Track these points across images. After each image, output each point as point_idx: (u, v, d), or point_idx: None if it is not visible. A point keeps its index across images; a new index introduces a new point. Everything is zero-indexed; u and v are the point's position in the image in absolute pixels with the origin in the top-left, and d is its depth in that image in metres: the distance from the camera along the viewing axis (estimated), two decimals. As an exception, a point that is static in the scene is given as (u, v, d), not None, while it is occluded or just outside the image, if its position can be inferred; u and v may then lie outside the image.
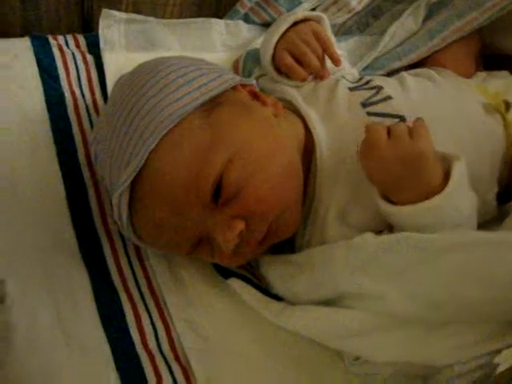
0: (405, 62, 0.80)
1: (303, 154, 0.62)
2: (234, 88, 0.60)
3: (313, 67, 0.68)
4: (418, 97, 0.66)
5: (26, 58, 0.75)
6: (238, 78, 0.61)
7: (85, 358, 0.55)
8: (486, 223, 0.64)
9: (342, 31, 0.89)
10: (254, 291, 0.61)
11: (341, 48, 0.82)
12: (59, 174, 0.67)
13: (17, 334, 0.54)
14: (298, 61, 0.67)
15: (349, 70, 0.75)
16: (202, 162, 0.53)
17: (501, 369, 0.46)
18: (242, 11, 0.87)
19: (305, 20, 0.70)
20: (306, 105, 0.64)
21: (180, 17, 0.91)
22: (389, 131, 0.54)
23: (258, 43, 0.80)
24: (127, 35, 0.80)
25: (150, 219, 0.55)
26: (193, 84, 0.56)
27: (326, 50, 0.68)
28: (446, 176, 0.52)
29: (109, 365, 0.55)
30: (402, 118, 0.61)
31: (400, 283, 0.50)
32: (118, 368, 0.55)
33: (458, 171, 0.52)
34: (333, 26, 0.85)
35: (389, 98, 0.64)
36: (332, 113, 0.63)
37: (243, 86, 0.61)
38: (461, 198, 0.53)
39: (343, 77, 0.69)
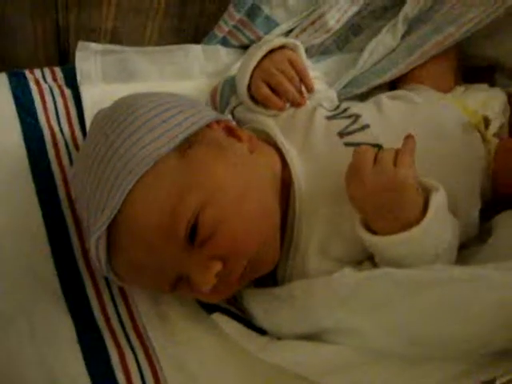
0: (385, 78, 0.81)
1: (281, 185, 0.62)
2: (209, 126, 0.59)
3: (289, 96, 0.67)
4: (396, 122, 0.66)
5: (3, 94, 0.74)
6: (213, 115, 0.61)
7: None
8: (470, 241, 0.64)
9: (320, 50, 0.89)
10: (237, 325, 0.60)
11: (319, 69, 0.82)
12: (39, 213, 0.67)
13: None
14: (275, 90, 0.67)
15: (326, 93, 0.74)
16: (176, 205, 0.52)
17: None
18: (220, 35, 0.86)
19: (280, 47, 0.69)
20: (283, 137, 0.64)
21: (158, 43, 0.91)
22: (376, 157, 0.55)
23: (236, 69, 0.79)
24: (104, 66, 0.80)
25: (128, 261, 0.55)
26: (169, 123, 0.56)
27: (302, 78, 0.68)
28: (426, 206, 0.52)
29: None
30: (381, 147, 0.61)
31: (379, 318, 0.51)
32: None
33: (436, 203, 0.52)
34: (311, 46, 0.85)
35: (366, 126, 0.64)
36: (309, 144, 0.63)
37: (218, 122, 0.61)
38: (439, 227, 0.53)
39: (320, 104, 0.69)
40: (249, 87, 0.68)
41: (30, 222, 0.66)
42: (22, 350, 0.57)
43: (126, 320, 0.62)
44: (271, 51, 0.69)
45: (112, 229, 0.54)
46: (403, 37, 0.83)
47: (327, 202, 0.59)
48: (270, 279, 0.64)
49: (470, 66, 0.88)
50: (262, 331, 0.60)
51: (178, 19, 0.91)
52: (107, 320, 0.62)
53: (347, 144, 0.62)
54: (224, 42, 0.88)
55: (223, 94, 0.77)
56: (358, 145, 0.61)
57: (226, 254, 0.54)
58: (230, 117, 0.65)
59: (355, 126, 0.64)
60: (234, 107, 0.72)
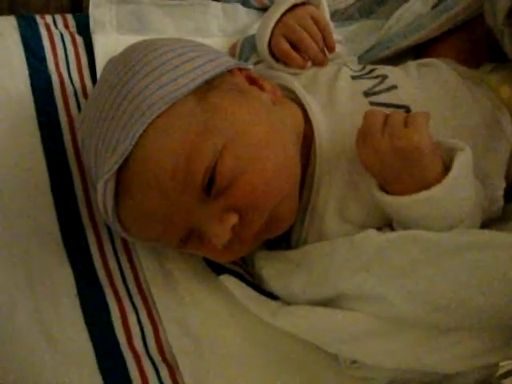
0: (410, 41, 0.76)
1: (302, 143, 0.58)
2: (230, 72, 0.56)
3: (311, 54, 0.64)
4: (424, 87, 0.62)
5: (11, 37, 0.70)
6: (235, 61, 0.58)
7: (67, 360, 0.52)
8: (491, 222, 0.61)
9: (344, 18, 0.85)
10: (247, 289, 0.57)
11: (342, 34, 0.78)
12: (44, 162, 0.63)
13: None
14: (296, 47, 0.64)
15: (347, 58, 0.71)
16: (193, 150, 0.49)
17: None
18: (240, -6, 0.83)
19: (303, 3, 0.66)
20: (306, 93, 0.60)
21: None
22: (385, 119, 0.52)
23: (255, 29, 0.76)
24: (119, 16, 0.77)
25: (136, 210, 0.51)
26: (187, 65, 0.53)
27: (325, 36, 0.65)
28: (449, 167, 0.49)
29: (92, 367, 0.52)
30: (407, 109, 0.58)
31: (404, 284, 0.48)
32: (102, 370, 0.52)
33: (460, 162, 0.49)
34: (335, 11, 0.82)
35: (393, 87, 0.61)
36: (333, 102, 0.60)
37: (240, 70, 0.58)
38: (462, 190, 0.50)
39: (345, 65, 0.66)
40: (269, 43, 0.65)
41: (33, 170, 0.63)
42: (18, 302, 0.54)
43: (128, 276, 0.59)
44: (294, 6, 0.66)
45: (122, 173, 0.50)
46: (435, 7, 0.79)
47: (348, 162, 0.56)
48: (284, 244, 0.60)
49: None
50: (272, 297, 0.57)
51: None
52: (109, 275, 0.59)
53: (372, 103, 0.59)
54: (244, 2, 0.85)
55: (242, 53, 0.74)
56: (384, 105, 0.59)
57: (243, 205, 0.51)
58: (254, 68, 0.61)
59: (382, 86, 0.61)
60: (255, 64, 0.69)
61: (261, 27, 0.66)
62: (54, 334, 0.53)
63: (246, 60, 0.72)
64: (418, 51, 0.78)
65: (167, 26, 0.79)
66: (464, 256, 0.46)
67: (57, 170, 0.63)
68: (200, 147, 0.49)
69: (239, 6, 0.83)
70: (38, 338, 0.53)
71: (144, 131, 0.49)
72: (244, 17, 0.83)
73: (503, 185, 0.61)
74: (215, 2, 0.83)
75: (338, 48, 0.70)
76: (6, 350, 0.51)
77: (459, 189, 0.49)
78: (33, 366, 0.51)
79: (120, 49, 0.60)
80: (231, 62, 0.57)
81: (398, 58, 0.75)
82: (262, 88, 0.57)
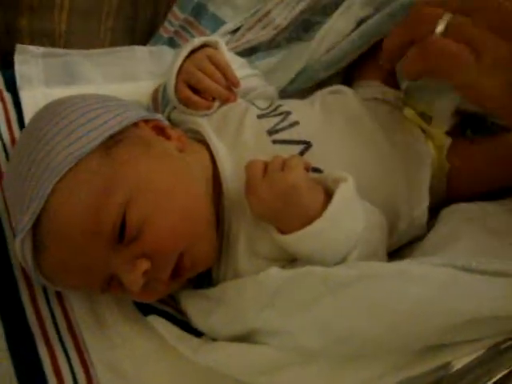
0: (330, 71, 0.77)
1: (213, 185, 0.61)
2: (136, 124, 0.59)
3: (213, 93, 0.67)
4: (327, 120, 0.65)
5: None
6: (141, 114, 0.60)
7: None
8: (417, 239, 0.63)
9: (272, 47, 0.87)
10: (172, 328, 0.59)
11: (268, 64, 0.81)
12: None
13: None
14: (198, 90, 0.66)
15: (263, 89, 0.73)
16: (99, 204, 0.52)
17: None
18: (166, 36, 0.86)
19: (202, 47, 0.69)
20: (214, 136, 0.63)
21: (113, 44, 0.90)
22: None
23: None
24: (46, 70, 0.79)
25: (54, 263, 0.54)
26: (92, 123, 0.56)
27: (224, 73, 0.67)
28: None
29: None
30: (308, 144, 0.60)
31: (305, 317, 0.50)
32: None
33: (341, 193, 0.52)
34: (259, 44, 0.85)
35: (295, 123, 0.63)
36: (238, 142, 0.62)
37: (146, 121, 0.60)
38: (346, 220, 0.53)
39: (253, 103, 0.68)
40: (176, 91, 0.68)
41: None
42: None
43: (60, 321, 0.61)
44: (193, 52, 0.68)
45: (37, 229, 0.53)
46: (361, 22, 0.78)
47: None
48: (207, 281, 0.63)
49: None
50: (200, 333, 0.59)
51: (132, 21, 0.91)
52: (41, 323, 0.61)
53: (275, 141, 0.61)
54: (171, 43, 0.87)
55: (164, 96, 0.76)
56: (286, 142, 0.61)
57: (152, 252, 0.53)
58: (162, 117, 0.64)
59: (285, 124, 0.63)
60: (171, 110, 0.71)
61: (166, 76, 0.69)
62: None
63: (166, 105, 0.74)
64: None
65: (95, 75, 0.81)
66: (353, 289, 0.48)
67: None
68: (106, 201, 0.52)
69: (165, 48, 0.86)
70: None
71: (52, 190, 0.52)
72: (171, 57, 0.83)
73: (423, 204, 0.63)
74: (141, 47, 0.86)
75: (252, 81, 0.72)
76: None
77: (342, 219, 0.52)
78: None
79: (48, 101, 0.63)
80: (138, 115, 0.60)
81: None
82: (168, 137, 0.60)
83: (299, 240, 0.52)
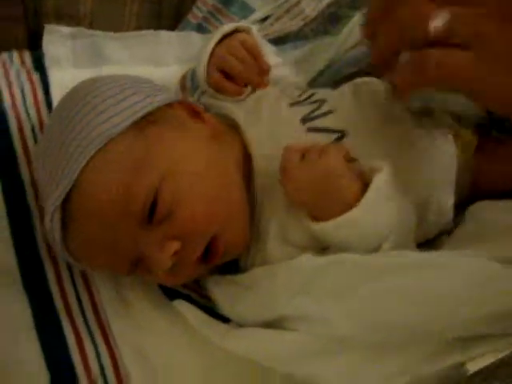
0: (361, 66, 0.77)
1: (245, 171, 0.61)
2: (170, 106, 0.59)
3: (245, 79, 0.66)
4: (360, 109, 0.64)
5: None
6: (174, 96, 0.60)
7: None
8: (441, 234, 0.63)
9: (299, 39, 0.87)
10: (199, 313, 0.59)
11: (296, 55, 0.80)
12: (1, 197, 0.65)
13: None
14: (230, 75, 0.66)
15: (292, 79, 0.73)
16: (132, 182, 0.52)
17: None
18: (194, 22, 0.86)
19: (234, 32, 0.68)
20: (246, 123, 0.63)
21: (138, 29, 0.89)
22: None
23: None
24: (74, 50, 0.79)
25: (82, 240, 0.54)
26: (123, 103, 0.56)
27: (256, 58, 0.67)
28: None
29: None
30: (343, 133, 0.60)
31: (341, 304, 0.49)
32: None
33: (377, 182, 0.52)
34: (287, 34, 0.84)
35: (329, 112, 0.62)
36: (272, 130, 0.62)
37: (180, 103, 0.60)
38: (381, 209, 0.52)
39: (284, 92, 0.68)
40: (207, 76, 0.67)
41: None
42: None
43: (86, 304, 0.61)
44: (225, 37, 0.68)
45: (67, 205, 0.53)
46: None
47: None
48: (234, 269, 0.62)
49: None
50: (226, 319, 0.59)
51: (158, 5, 0.90)
52: (66, 305, 0.60)
53: (310, 129, 0.61)
54: (200, 29, 0.87)
55: (193, 82, 0.75)
56: (321, 130, 0.61)
57: (183, 233, 0.53)
58: (193, 101, 0.63)
59: (319, 112, 0.63)
60: (201, 94, 0.71)
61: (197, 61, 0.68)
62: (11, 367, 0.55)
63: (196, 90, 0.74)
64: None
65: (123, 57, 0.81)
66: (390, 277, 0.47)
67: (15, 205, 0.65)
68: (139, 179, 0.52)
69: (193, 34, 0.85)
70: None
71: (85, 165, 0.52)
72: (198, 43, 0.84)
73: (451, 199, 0.62)
74: (168, 32, 0.85)
75: (282, 70, 0.72)
76: None
77: (378, 208, 0.52)
78: None
79: (76, 82, 0.62)
80: (171, 97, 0.59)
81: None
82: (202, 121, 0.60)
83: (334, 228, 0.52)
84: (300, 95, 0.67)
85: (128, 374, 0.56)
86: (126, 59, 0.81)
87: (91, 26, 0.86)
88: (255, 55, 0.67)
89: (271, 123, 0.62)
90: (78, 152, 0.53)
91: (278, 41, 0.82)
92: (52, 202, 0.53)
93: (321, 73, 0.80)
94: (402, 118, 0.64)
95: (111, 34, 0.82)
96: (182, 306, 0.60)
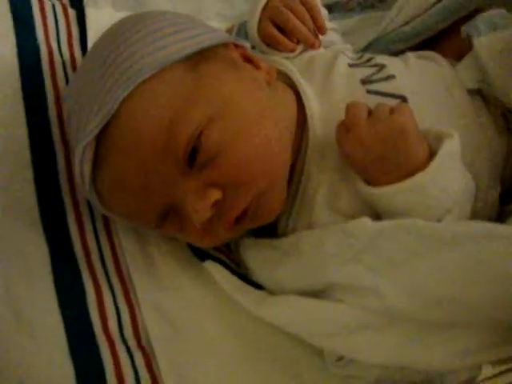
0: (409, 44, 0.75)
1: (294, 128, 0.56)
2: (225, 46, 0.54)
3: (300, 35, 0.62)
4: (422, 79, 0.61)
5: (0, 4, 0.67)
6: (231, 37, 0.57)
7: (37, 342, 0.49)
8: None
9: (344, 11, 0.84)
10: (231, 277, 0.55)
11: (343, 26, 0.77)
12: (26, 133, 0.60)
13: None
14: (284, 29, 0.62)
15: (342, 46, 0.70)
16: (177, 117, 0.47)
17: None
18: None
19: None
20: (301, 78, 0.58)
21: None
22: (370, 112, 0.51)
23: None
24: (114, -8, 0.74)
25: (113, 179, 0.50)
26: (181, 34, 0.51)
27: (313, 16, 0.63)
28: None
29: (63, 352, 0.49)
30: (404, 99, 0.57)
31: (398, 275, 0.46)
32: (74, 356, 0.49)
33: (446, 149, 0.48)
34: (336, 3, 0.81)
35: (391, 77, 0.59)
36: (329, 88, 0.58)
37: (236, 46, 0.56)
38: (449, 177, 0.49)
39: (343, 52, 0.64)
40: (259, 29, 0.64)
41: (14, 141, 0.60)
42: None
43: (107, 256, 0.57)
44: None
45: (101, 139, 0.48)
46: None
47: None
48: (270, 234, 0.58)
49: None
50: (257, 286, 0.55)
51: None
52: (87, 254, 0.56)
53: (370, 91, 0.58)
54: (242, -11, 0.83)
55: (238, 37, 0.71)
56: (381, 94, 0.57)
57: (227, 182, 0.48)
58: (248, 45, 0.59)
59: (380, 75, 0.59)
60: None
61: (250, 13, 0.65)
62: (24, 315, 0.50)
63: (244, 43, 0.70)
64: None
65: (164, 6, 0.76)
66: (461, 248, 0.44)
67: (39, 144, 0.60)
68: (185, 114, 0.47)
69: (236, -8, 0.82)
70: (7, 318, 0.50)
71: (128, 95, 0.47)
72: (243, 3, 0.82)
73: (498, 188, 0.60)
74: (214, -13, 0.81)
75: (333, 36, 0.69)
76: None
77: (445, 176, 0.48)
78: (1, 346, 0.48)
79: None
80: (227, 37, 0.56)
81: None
82: (257, 66, 0.56)
83: (396, 193, 0.48)
84: (359, 58, 0.64)
85: (146, 331, 0.52)
86: (167, 8, 0.75)
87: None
88: (313, 12, 0.63)
89: (327, 82, 0.59)
90: (122, 80, 0.48)
91: (326, 8, 0.78)
92: (88, 131, 0.48)
93: (366, 47, 0.77)
94: (461, 97, 0.61)
95: (156, -19, 0.78)
96: (213, 267, 0.56)
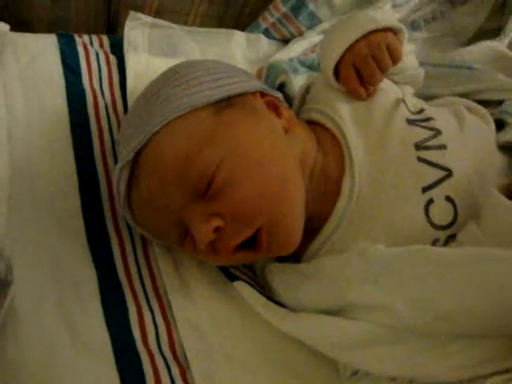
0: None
1: (335, 179, 0.61)
2: (253, 94, 0.61)
3: (376, 83, 0.63)
4: (473, 150, 0.62)
5: (52, 53, 0.76)
6: (260, 86, 0.63)
7: (87, 352, 0.55)
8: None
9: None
10: (258, 295, 0.61)
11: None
12: (74, 166, 0.68)
13: (20, 320, 0.54)
14: (363, 76, 0.63)
15: (414, 71, 0.71)
16: (193, 152, 0.55)
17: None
18: (264, 25, 0.89)
19: (382, 29, 0.62)
20: (353, 129, 0.62)
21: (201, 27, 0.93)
22: None
23: (277, 57, 0.83)
24: (150, 39, 0.82)
25: (142, 196, 0.57)
26: (216, 82, 0.59)
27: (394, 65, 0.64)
28: None
29: (110, 361, 0.55)
30: (450, 172, 0.59)
31: (410, 293, 0.50)
32: (119, 365, 0.55)
33: None
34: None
35: (443, 147, 0.61)
36: (383, 142, 0.61)
37: (263, 94, 0.62)
38: None
39: (403, 100, 0.65)
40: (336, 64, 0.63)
41: (64, 174, 0.67)
42: (44, 294, 0.57)
43: (145, 278, 0.63)
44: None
45: (135, 163, 0.57)
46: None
47: (382, 207, 0.58)
48: (292, 256, 0.63)
49: None
50: (281, 306, 0.61)
51: (223, 7, 0.93)
52: (128, 277, 0.62)
53: (420, 159, 0.60)
54: (266, 34, 0.90)
55: (269, 77, 0.78)
56: (429, 163, 0.60)
57: (230, 214, 0.55)
58: (281, 97, 0.65)
59: (433, 142, 0.61)
60: (312, 82, 0.70)
61: (329, 45, 0.65)
62: (76, 326, 0.56)
63: (273, 83, 0.76)
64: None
65: (194, 51, 0.84)
66: (469, 269, 0.48)
67: (85, 175, 0.68)
68: (200, 151, 0.55)
69: (262, 37, 0.89)
70: (61, 330, 0.56)
71: (159, 130, 0.56)
72: (266, 47, 0.89)
73: None
74: (240, 32, 0.88)
75: (407, 61, 0.68)
76: (31, 339, 0.54)
77: None
78: (54, 355, 0.54)
79: (150, 69, 0.70)
80: (256, 86, 0.62)
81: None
82: (278, 115, 0.62)
83: None
84: (418, 112, 0.65)
85: (181, 345, 0.58)
86: (197, 54, 0.84)
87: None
88: (395, 64, 0.63)
89: (383, 134, 0.61)
90: (160, 115, 0.56)
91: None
92: (124, 156, 0.57)
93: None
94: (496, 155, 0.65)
95: (186, 28, 0.86)
96: (242, 287, 0.62)
